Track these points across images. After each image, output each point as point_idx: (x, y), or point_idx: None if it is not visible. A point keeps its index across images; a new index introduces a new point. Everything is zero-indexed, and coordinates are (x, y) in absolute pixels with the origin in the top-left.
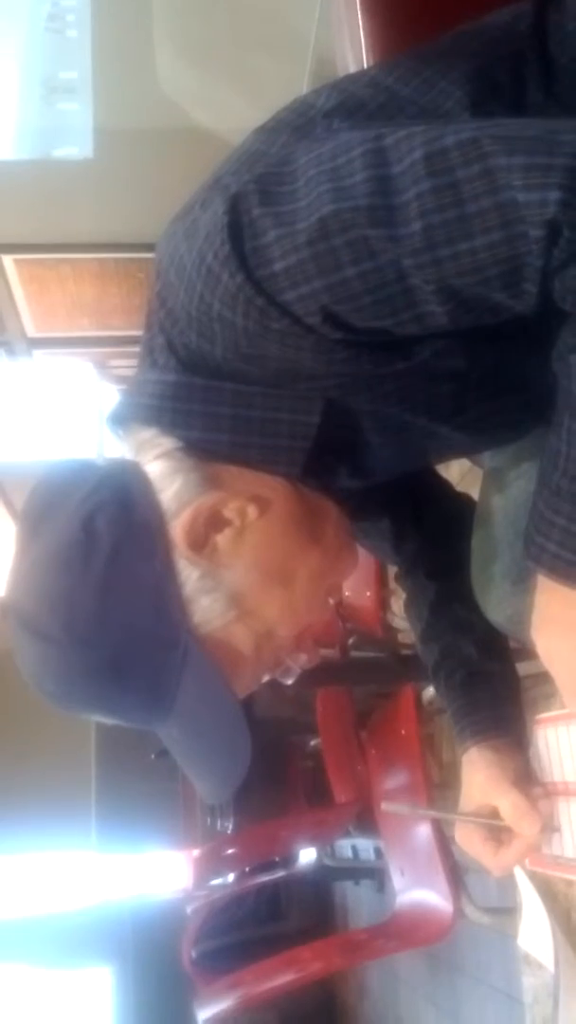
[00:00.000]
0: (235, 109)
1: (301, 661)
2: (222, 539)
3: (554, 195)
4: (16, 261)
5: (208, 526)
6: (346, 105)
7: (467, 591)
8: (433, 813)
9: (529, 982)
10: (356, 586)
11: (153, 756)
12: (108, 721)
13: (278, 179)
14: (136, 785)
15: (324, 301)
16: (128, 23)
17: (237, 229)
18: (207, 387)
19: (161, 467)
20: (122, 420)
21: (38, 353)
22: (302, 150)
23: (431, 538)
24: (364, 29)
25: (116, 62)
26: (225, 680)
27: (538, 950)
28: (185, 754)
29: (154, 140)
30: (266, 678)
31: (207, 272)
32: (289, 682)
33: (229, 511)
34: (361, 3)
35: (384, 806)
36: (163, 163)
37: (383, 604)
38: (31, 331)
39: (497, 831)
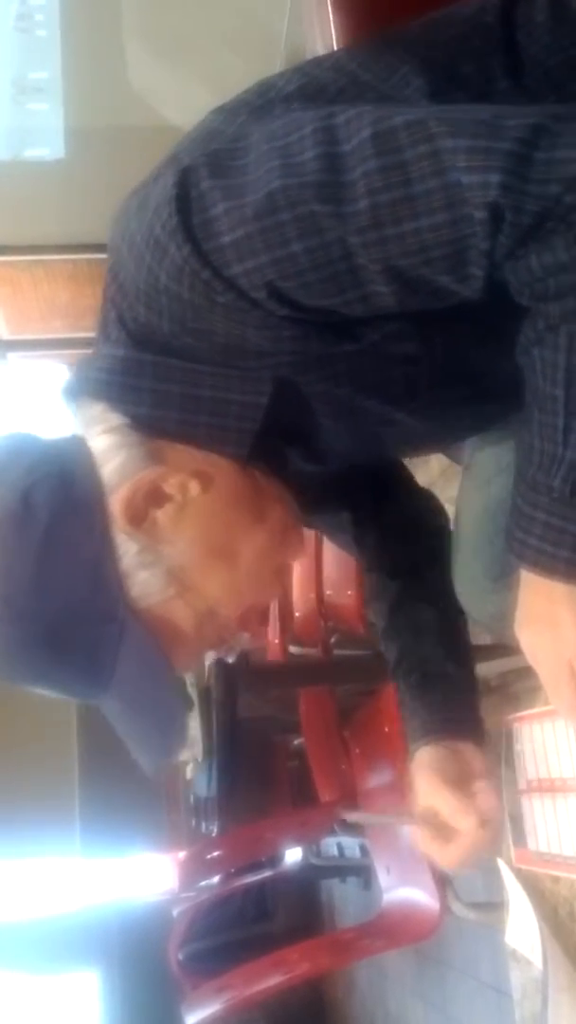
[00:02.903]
0: (207, 107)
1: (243, 640)
2: (162, 514)
3: (495, 178)
4: None
5: (148, 501)
6: (307, 89)
7: (429, 591)
8: (385, 819)
9: (517, 978)
10: (337, 585)
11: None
12: (51, 693)
13: (229, 154)
14: (120, 789)
15: (270, 276)
16: (97, 22)
17: (185, 201)
18: (156, 363)
19: (106, 442)
20: (74, 393)
21: (12, 356)
22: (256, 127)
23: (392, 534)
24: (335, 25)
25: (86, 61)
26: (163, 656)
27: (526, 946)
28: (124, 726)
29: (126, 139)
30: (212, 655)
31: (155, 244)
32: (230, 660)
33: (170, 486)
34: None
35: (346, 815)
36: (135, 162)
37: (365, 602)
38: (4, 334)
39: (445, 829)
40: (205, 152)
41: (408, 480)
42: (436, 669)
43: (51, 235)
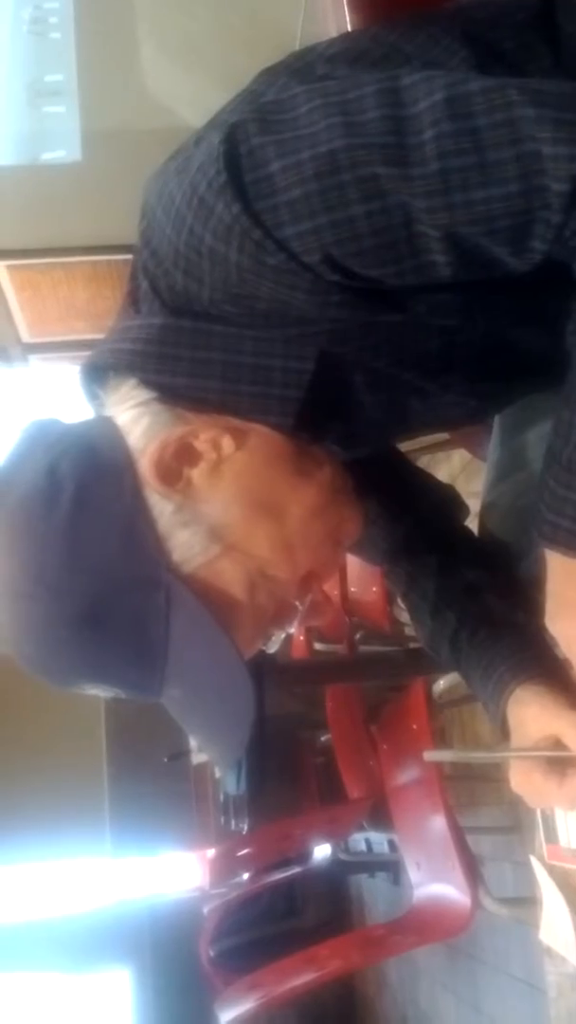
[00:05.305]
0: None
1: (302, 613)
2: (197, 473)
3: None
4: (8, 267)
5: (179, 459)
6: (350, 52)
7: (469, 557)
8: (483, 755)
9: (552, 975)
10: (362, 581)
11: (166, 759)
12: (104, 688)
13: (276, 107)
14: (149, 789)
15: (326, 239)
16: (112, 24)
17: (235, 158)
18: (195, 330)
19: (131, 414)
20: (100, 370)
21: (34, 359)
22: (299, 86)
23: (425, 516)
24: (351, 26)
25: (101, 64)
26: (217, 622)
27: (560, 943)
28: (190, 715)
29: (142, 141)
30: (278, 633)
31: (199, 203)
32: (272, 650)
33: (201, 443)
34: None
35: (427, 755)
36: (152, 163)
37: (390, 598)
38: (26, 337)
39: (560, 764)
40: (251, 108)
41: (428, 474)
42: (506, 619)
43: (70, 237)
